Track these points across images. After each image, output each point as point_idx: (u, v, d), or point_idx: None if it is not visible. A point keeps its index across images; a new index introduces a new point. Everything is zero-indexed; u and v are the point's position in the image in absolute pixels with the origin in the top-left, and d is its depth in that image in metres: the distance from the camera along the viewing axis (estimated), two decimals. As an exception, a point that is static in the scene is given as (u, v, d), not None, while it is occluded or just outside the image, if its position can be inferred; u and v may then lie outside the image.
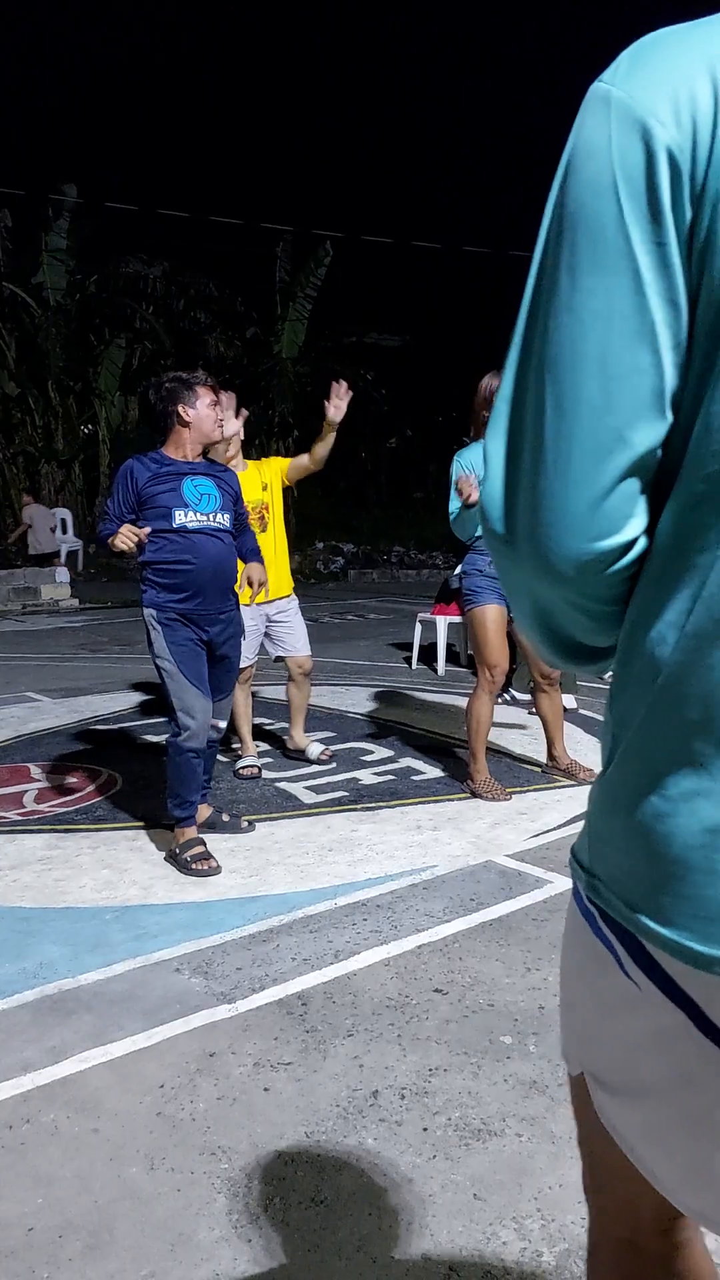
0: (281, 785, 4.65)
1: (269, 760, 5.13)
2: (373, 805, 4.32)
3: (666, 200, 0.63)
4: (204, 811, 3.97)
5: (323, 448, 4.72)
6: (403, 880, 3.41)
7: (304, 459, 4.84)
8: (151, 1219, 1.80)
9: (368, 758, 5.16)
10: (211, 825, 3.97)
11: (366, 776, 4.80)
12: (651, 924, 0.73)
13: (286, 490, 4.98)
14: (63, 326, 20.24)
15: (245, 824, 4.02)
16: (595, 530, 0.69)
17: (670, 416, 0.68)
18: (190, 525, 3.58)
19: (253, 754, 4.96)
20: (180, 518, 3.57)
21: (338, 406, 4.47)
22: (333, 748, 5.25)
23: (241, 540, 3.88)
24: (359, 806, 4.30)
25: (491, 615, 4.39)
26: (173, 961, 2.83)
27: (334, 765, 4.99)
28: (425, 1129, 2.04)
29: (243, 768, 4.86)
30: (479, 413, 4.33)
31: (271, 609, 4.81)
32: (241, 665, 4.61)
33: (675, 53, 0.65)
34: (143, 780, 4.75)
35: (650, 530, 0.73)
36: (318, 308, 21.66)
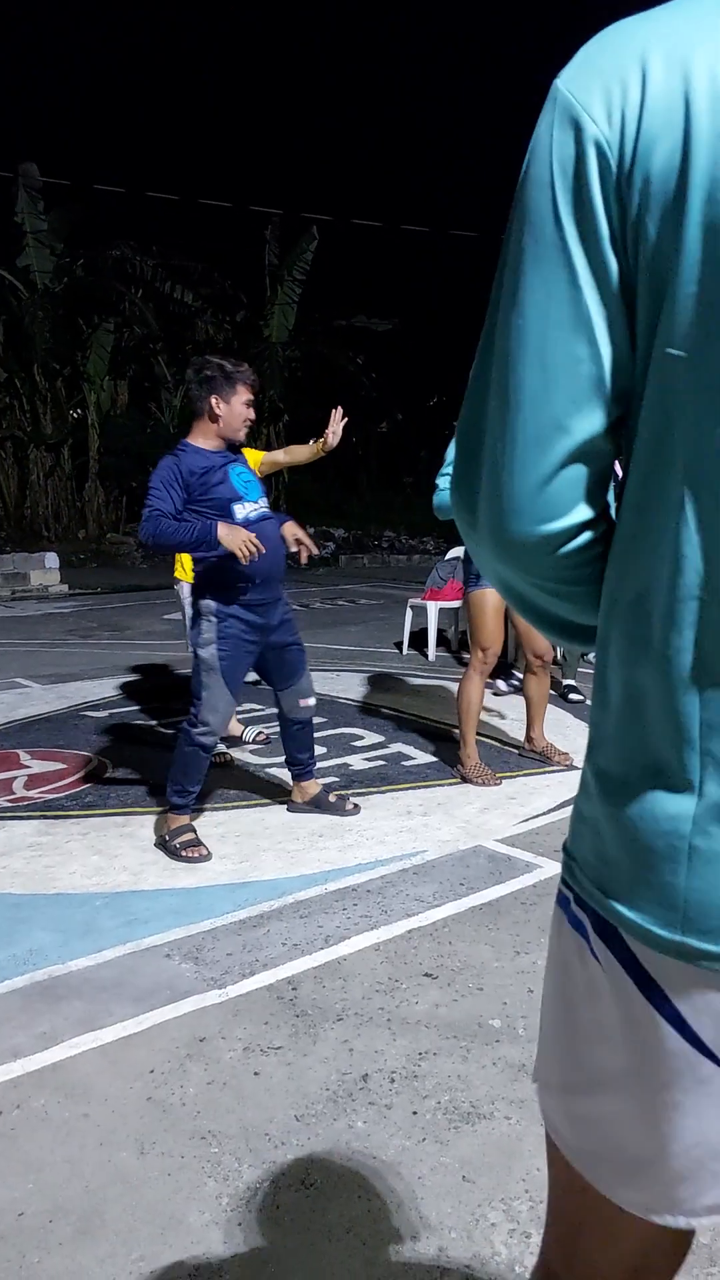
0: (272, 771, 4.65)
1: (259, 746, 5.13)
2: (363, 790, 4.33)
3: (597, 194, 0.64)
4: (313, 788, 4.01)
5: (306, 458, 4.64)
6: (393, 865, 3.42)
7: (280, 455, 4.76)
8: (142, 1203, 1.80)
9: (358, 743, 5.17)
10: (318, 804, 4.00)
11: (357, 762, 4.80)
12: (619, 907, 0.75)
13: (277, 474, 4.96)
14: (50, 310, 20.08)
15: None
16: (540, 514, 0.72)
17: (612, 404, 0.70)
18: (252, 517, 3.55)
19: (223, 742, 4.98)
20: (240, 511, 3.53)
21: (335, 433, 4.37)
22: (324, 733, 5.26)
23: None
24: (350, 792, 4.30)
25: (491, 599, 4.41)
26: (163, 947, 2.83)
27: (325, 751, 5.00)
28: (415, 1112, 2.05)
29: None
30: None
31: None
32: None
33: (615, 46, 0.65)
34: (133, 766, 4.74)
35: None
36: (308, 291, 21.54)
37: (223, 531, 3.37)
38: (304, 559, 3.79)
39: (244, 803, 4.19)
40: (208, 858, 3.51)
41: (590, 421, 0.70)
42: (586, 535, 0.74)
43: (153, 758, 4.85)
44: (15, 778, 4.59)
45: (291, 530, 3.78)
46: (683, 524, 0.67)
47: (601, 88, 0.64)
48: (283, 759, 4.70)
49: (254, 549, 3.37)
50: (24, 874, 3.41)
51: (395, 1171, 1.88)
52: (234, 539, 3.36)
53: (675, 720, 0.70)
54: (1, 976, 2.67)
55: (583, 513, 0.73)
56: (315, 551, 3.83)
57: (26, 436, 21.05)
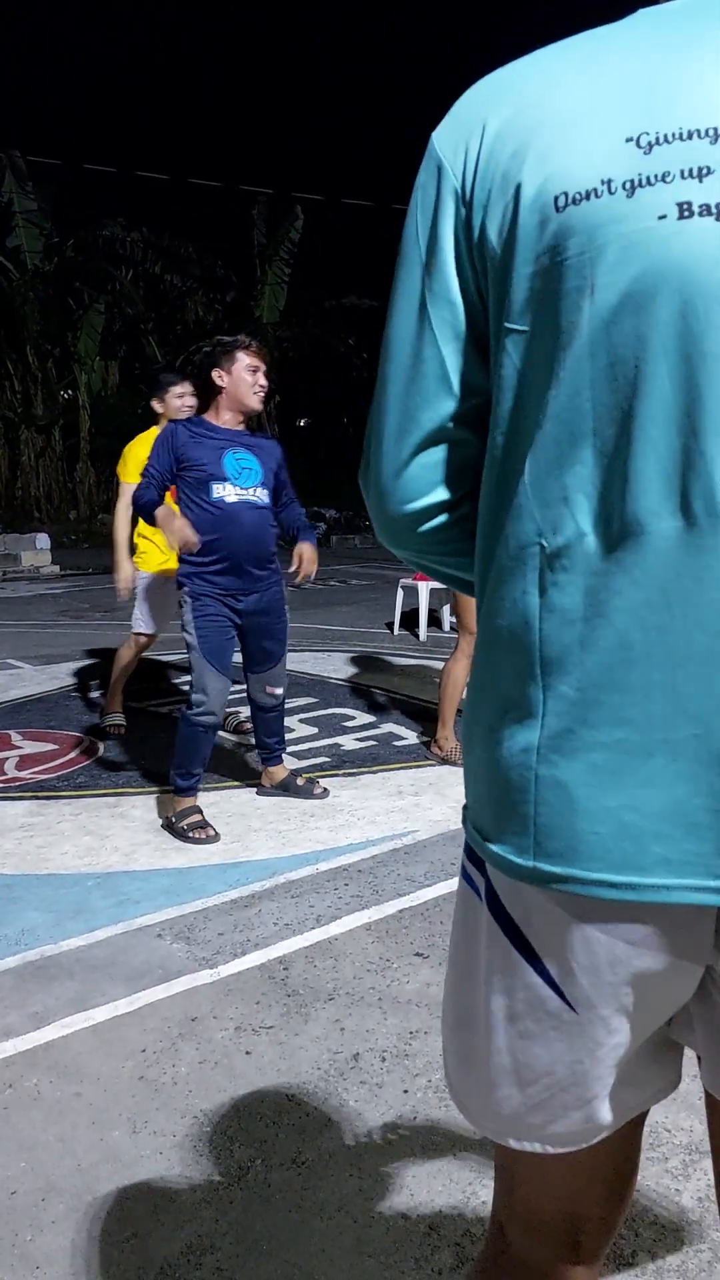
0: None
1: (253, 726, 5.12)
2: (354, 771, 4.33)
3: (448, 228, 0.77)
4: (279, 773, 4.01)
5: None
6: (384, 845, 3.42)
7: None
8: (134, 1181, 1.81)
9: (349, 723, 5.16)
10: (285, 788, 3.99)
11: (348, 742, 4.80)
12: (489, 845, 0.81)
13: None
14: (40, 290, 19.90)
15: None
16: (400, 496, 0.86)
17: (461, 399, 0.81)
18: (228, 499, 3.52)
19: (119, 711, 5.07)
20: (218, 490, 3.51)
21: (306, 576, 4.01)
22: (314, 713, 5.26)
23: (288, 513, 3.83)
24: (340, 772, 4.30)
25: None
26: (155, 927, 2.83)
27: (316, 731, 5.00)
28: (405, 1090, 2.06)
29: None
30: None
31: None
32: (145, 631, 4.85)
33: (474, 100, 0.78)
34: (124, 747, 4.74)
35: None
36: (301, 272, 21.39)
37: (160, 513, 3.42)
38: (299, 580, 3.82)
39: (235, 783, 4.18)
40: (216, 838, 3.50)
41: (436, 412, 0.82)
42: (445, 516, 0.87)
43: (144, 738, 4.85)
44: (7, 758, 4.58)
45: (300, 551, 3.79)
46: (522, 480, 0.76)
47: (462, 139, 0.78)
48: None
49: (187, 540, 3.37)
50: (15, 854, 3.41)
51: (387, 1149, 1.88)
52: (167, 524, 3.39)
53: (522, 658, 0.77)
54: (-7, 957, 2.66)
55: (440, 494, 0.86)
56: (309, 579, 3.84)
57: (17, 418, 20.90)
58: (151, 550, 4.77)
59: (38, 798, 4.02)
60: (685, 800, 0.71)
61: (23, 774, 4.35)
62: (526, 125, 0.73)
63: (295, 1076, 2.12)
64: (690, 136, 0.67)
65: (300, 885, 3.11)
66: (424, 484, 0.85)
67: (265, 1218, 1.72)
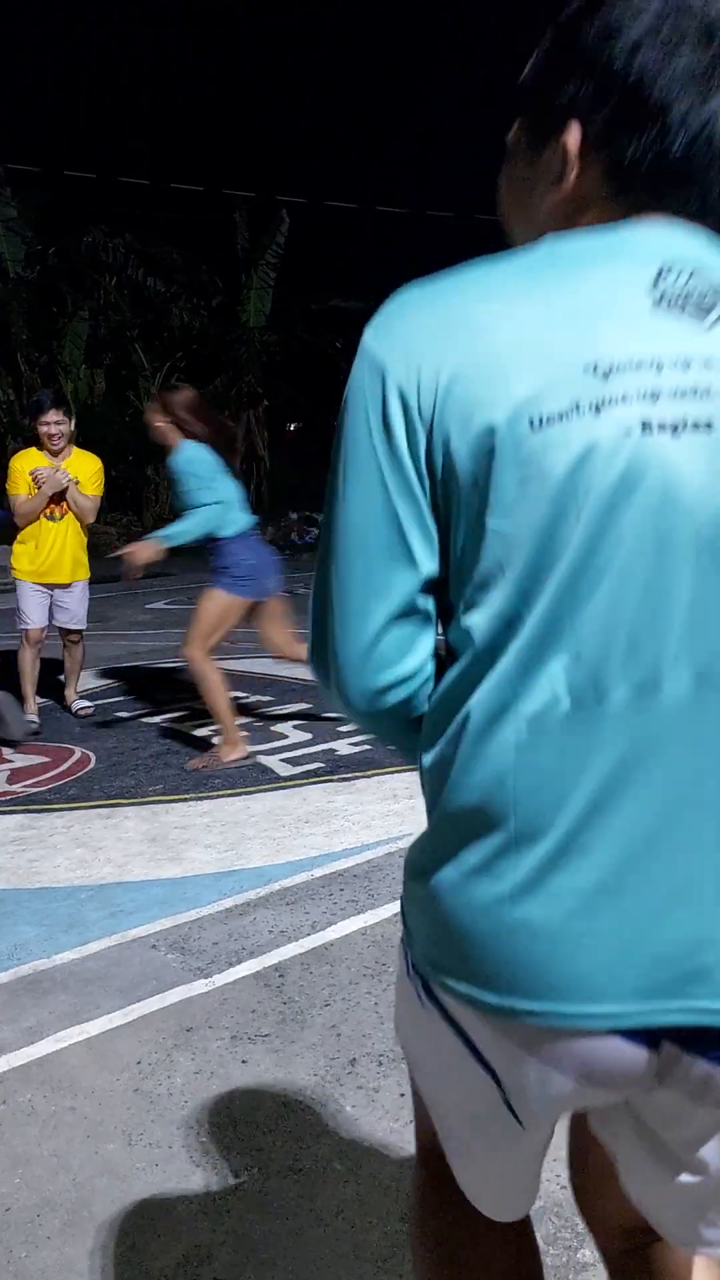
0: (257, 759, 4.63)
1: (245, 734, 5.11)
2: (349, 776, 4.32)
3: (398, 423, 0.82)
4: None
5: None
6: (379, 849, 3.42)
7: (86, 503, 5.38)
8: (130, 1195, 1.80)
9: (344, 728, 5.15)
10: None
11: (343, 747, 4.79)
12: (446, 979, 0.88)
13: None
14: (24, 299, 19.86)
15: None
16: (370, 671, 0.88)
17: (424, 574, 0.86)
18: None
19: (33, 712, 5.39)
20: None
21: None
22: (308, 719, 5.25)
23: None
24: (335, 777, 4.30)
25: None
26: (149, 938, 2.82)
27: (310, 736, 4.99)
28: (403, 1095, 2.05)
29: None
30: None
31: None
32: (32, 627, 5.40)
33: (420, 323, 0.84)
34: (116, 758, 4.72)
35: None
36: (287, 276, 21.36)
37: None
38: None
39: (228, 791, 4.17)
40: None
41: (400, 591, 0.86)
42: (418, 681, 0.90)
43: (136, 749, 4.84)
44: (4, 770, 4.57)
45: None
46: (502, 655, 0.82)
47: (403, 349, 0.83)
48: (267, 745, 4.69)
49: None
50: (7, 868, 3.40)
51: (384, 1154, 1.88)
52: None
53: (488, 816, 0.84)
54: (-13, 972, 2.65)
55: (410, 663, 0.89)
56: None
57: (3, 428, 20.84)
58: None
59: (30, 811, 4.01)
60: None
61: (14, 787, 4.33)
62: (486, 354, 0.81)
63: (292, 1084, 2.11)
64: (639, 366, 0.79)
65: (295, 892, 3.11)
66: (396, 653, 0.88)
67: (263, 1226, 1.71)
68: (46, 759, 4.76)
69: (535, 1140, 0.97)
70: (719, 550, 0.79)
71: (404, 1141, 1.91)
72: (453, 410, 0.80)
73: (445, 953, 0.88)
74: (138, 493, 20.30)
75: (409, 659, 0.89)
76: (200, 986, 2.53)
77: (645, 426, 0.78)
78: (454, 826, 0.86)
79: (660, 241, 0.84)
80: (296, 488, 21.61)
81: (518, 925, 0.81)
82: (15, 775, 4.51)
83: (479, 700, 0.83)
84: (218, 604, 4.43)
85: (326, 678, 0.92)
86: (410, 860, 0.96)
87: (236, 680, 6.15)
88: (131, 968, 2.65)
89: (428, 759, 0.89)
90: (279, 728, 5.18)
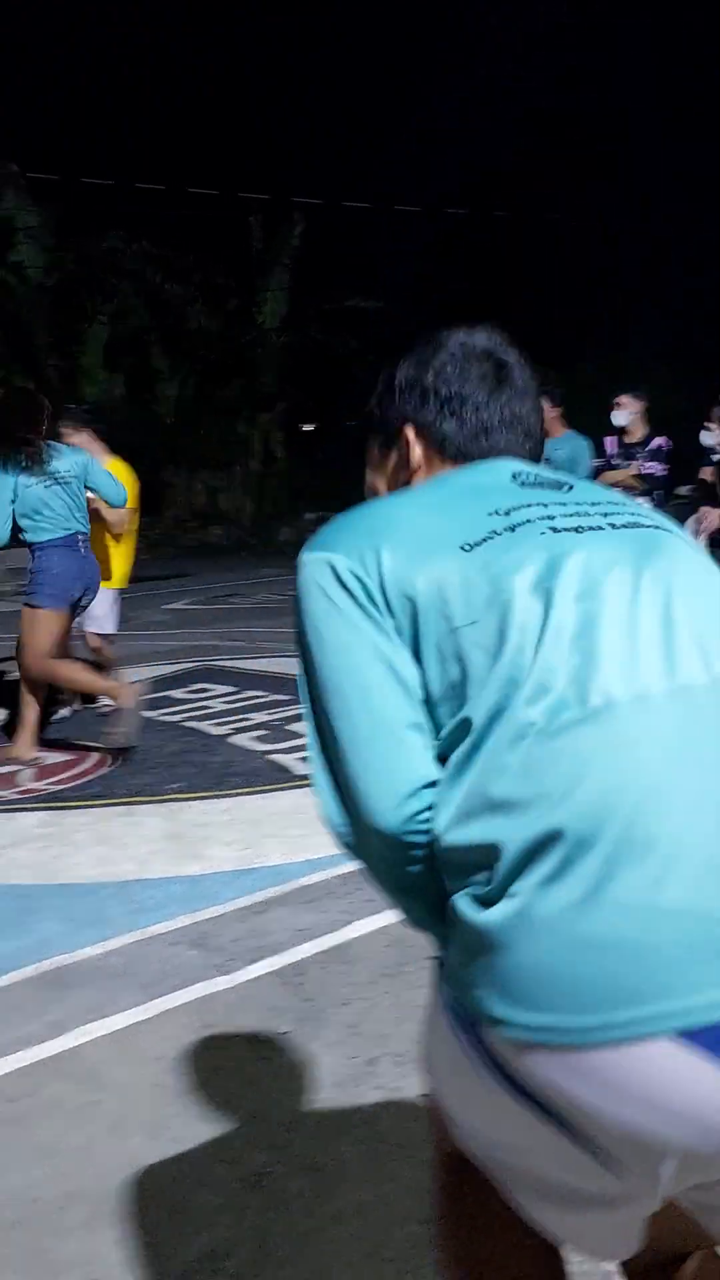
0: (274, 757, 4.65)
1: (265, 733, 5.12)
2: (367, 776, 4.33)
3: (356, 585, 1.00)
4: None
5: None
6: (397, 849, 3.43)
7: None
8: (153, 1188, 1.82)
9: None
10: None
11: (360, 747, 4.80)
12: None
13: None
14: (44, 304, 19.97)
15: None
16: (404, 786, 0.96)
17: (420, 702, 0.98)
18: None
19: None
20: None
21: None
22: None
23: None
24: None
25: None
26: (170, 935, 2.85)
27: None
28: (422, 1095, 2.06)
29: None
30: None
31: None
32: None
33: (360, 529, 1.05)
34: (137, 757, 4.75)
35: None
36: (304, 277, 21.38)
37: None
38: None
39: (247, 789, 4.20)
40: None
41: (412, 722, 0.98)
42: (428, 793, 0.96)
43: (157, 747, 4.87)
44: (21, 770, 4.61)
45: None
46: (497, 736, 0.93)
47: (343, 543, 1.03)
48: (285, 744, 4.71)
49: None
50: (31, 865, 3.43)
51: (404, 1154, 1.89)
52: None
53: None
54: (11, 966, 2.69)
55: (425, 773, 0.97)
56: None
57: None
58: None
59: (52, 808, 4.05)
60: None
61: (38, 785, 4.37)
62: (414, 535, 1.03)
63: (311, 1082, 2.13)
64: (530, 506, 1.05)
65: (314, 890, 3.12)
66: (411, 776, 0.97)
67: (282, 1224, 1.73)
68: (69, 757, 4.80)
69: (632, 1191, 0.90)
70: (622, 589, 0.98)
71: (423, 1142, 1.92)
72: (406, 575, 0.99)
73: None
74: (156, 495, 20.40)
75: (430, 769, 0.98)
76: (221, 983, 2.55)
77: (554, 529, 1.02)
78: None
79: (506, 464, 1.15)
80: (314, 487, 21.65)
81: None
82: (39, 773, 4.55)
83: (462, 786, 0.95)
84: (29, 623, 4.62)
85: (356, 821, 1.01)
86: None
87: (255, 679, 6.18)
88: (152, 964, 2.68)
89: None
90: (295, 727, 5.20)
